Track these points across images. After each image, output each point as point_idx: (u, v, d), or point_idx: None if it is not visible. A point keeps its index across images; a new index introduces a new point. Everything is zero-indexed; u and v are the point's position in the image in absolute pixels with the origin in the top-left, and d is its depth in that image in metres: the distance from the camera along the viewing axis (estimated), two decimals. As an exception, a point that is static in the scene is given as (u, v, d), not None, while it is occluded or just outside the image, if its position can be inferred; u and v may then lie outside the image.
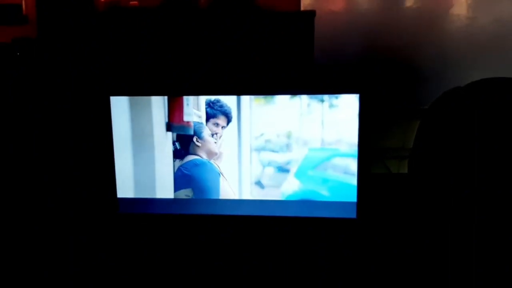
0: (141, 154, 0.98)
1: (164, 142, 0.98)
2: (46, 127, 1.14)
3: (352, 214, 0.98)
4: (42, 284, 0.90)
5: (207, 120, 0.97)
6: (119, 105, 0.97)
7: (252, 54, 1.21)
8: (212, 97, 0.96)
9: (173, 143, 0.98)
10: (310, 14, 1.31)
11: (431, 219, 0.81)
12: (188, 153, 0.99)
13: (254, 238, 1.00)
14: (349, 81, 0.97)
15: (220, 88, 0.96)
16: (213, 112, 0.96)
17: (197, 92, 0.96)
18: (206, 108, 0.96)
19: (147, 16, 1.26)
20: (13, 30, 1.39)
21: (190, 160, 0.99)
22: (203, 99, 0.96)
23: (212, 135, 0.97)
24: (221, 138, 0.97)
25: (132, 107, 0.97)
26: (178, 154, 0.99)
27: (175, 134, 0.98)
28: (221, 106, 0.96)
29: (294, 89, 0.95)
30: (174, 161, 0.99)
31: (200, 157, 0.99)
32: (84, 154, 1.11)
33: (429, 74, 1.70)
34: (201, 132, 0.98)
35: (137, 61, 1.15)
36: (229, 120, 0.97)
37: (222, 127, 0.97)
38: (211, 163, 0.99)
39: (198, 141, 0.98)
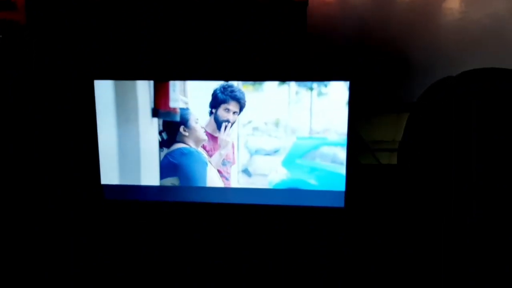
0: (126, 140, 0.97)
1: (150, 128, 0.96)
2: (28, 111, 1.11)
3: (340, 203, 0.97)
4: (30, 270, 0.89)
5: (218, 106, 0.95)
6: (104, 90, 0.95)
7: (243, 41, 1.19)
8: (224, 83, 0.94)
9: (160, 134, 0.96)
10: (303, 3, 1.29)
11: (419, 209, 0.81)
12: (175, 141, 0.97)
13: (240, 226, 0.99)
14: (339, 68, 0.96)
15: (207, 73, 0.94)
16: (223, 97, 0.94)
17: (183, 77, 0.94)
18: (218, 94, 0.94)
19: (134, 1, 1.23)
20: (1, 16, 1.35)
21: (177, 149, 0.97)
22: (190, 84, 0.95)
23: (222, 122, 0.95)
24: (233, 126, 0.95)
25: (117, 92, 0.95)
26: (165, 143, 0.97)
27: (161, 124, 0.96)
28: (232, 91, 0.94)
29: (283, 76, 0.94)
30: (161, 149, 0.97)
31: (188, 145, 0.97)
32: (68, 140, 1.09)
33: (421, 67, 1.69)
34: (187, 120, 0.96)
35: (122, 45, 1.12)
36: (241, 106, 0.94)
37: (233, 112, 0.95)
38: (198, 152, 0.97)
39: (185, 131, 0.96)
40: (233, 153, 0.97)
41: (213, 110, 0.95)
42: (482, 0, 1.58)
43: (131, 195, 0.99)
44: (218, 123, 0.95)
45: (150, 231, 0.98)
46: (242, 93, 0.94)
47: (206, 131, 0.96)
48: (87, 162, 0.98)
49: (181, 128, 0.96)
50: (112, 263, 0.91)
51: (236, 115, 0.95)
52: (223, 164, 0.97)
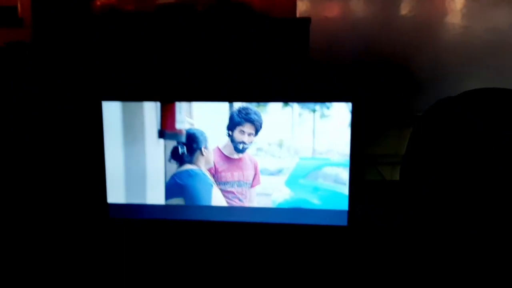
0: (132, 160, 0.98)
1: (156, 149, 0.98)
2: (37, 131, 1.14)
3: (343, 222, 0.98)
4: (34, 283, 0.90)
5: (234, 128, 0.96)
6: (112, 111, 0.97)
7: (247, 60, 1.21)
8: (240, 104, 0.95)
9: (181, 147, 0.97)
10: (306, 21, 1.31)
11: (422, 226, 0.81)
12: (186, 162, 0.98)
13: (244, 245, 1.00)
14: (342, 89, 0.97)
15: (213, 95, 0.96)
16: (238, 119, 0.96)
17: (189, 98, 0.96)
18: (234, 116, 0.96)
19: (143, 20, 1.26)
20: (8, 33, 1.38)
21: (185, 170, 0.98)
22: (196, 106, 0.96)
23: (238, 144, 0.96)
24: (248, 148, 0.96)
25: (124, 113, 0.97)
26: (179, 159, 0.97)
27: (183, 140, 0.97)
28: (247, 114, 0.95)
29: (286, 97, 0.96)
30: (170, 164, 0.98)
31: (198, 167, 0.98)
32: (75, 159, 1.11)
33: (423, 82, 1.70)
34: (207, 142, 0.97)
35: (130, 66, 1.15)
36: (256, 127, 0.95)
37: (249, 134, 0.96)
38: (205, 174, 0.98)
39: (205, 150, 0.97)
40: (255, 174, 0.98)
41: (230, 132, 0.97)
42: (484, 15, 1.60)
43: (135, 213, 1.01)
44: (235, 145, 0.97)
45: (154, 249, 0.99)
46: (258, 115, 0.95)
47: (223, 153, 0.98)
48: (94, 181, 1.00)
49: (203, 147, 0.97)
50: (117, 281, 0.92)
51: (252, 137, 0.96)
52: (239, 185, 0.99)
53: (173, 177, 0.99)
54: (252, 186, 0.98)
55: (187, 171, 0.98)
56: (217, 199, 0.99)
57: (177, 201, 0.99)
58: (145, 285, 0.91)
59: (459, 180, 0.68)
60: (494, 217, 0.68)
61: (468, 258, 0.71)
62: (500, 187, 0.65)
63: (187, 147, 0.97)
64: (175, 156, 0.98)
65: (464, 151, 0.69)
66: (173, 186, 0.99)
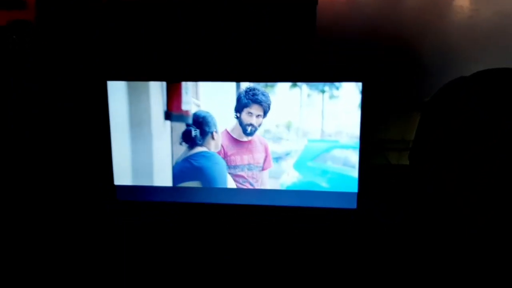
0: (139, 142, 0.97)
1: (163, 131, 0.97)
2: (41, 112, 1.12)
3: (353, 205, 0.97)
4: (40, 271, 0.90)
5: (241, 110, 0.95)
6: (117, 91, 0.96)
7: (253, 42, 1.19)
8: (248, 85, 0.93)
9: (194, 130, 0.95)
10: (312, 1, 1.29)
11: (432, 211, 0.80)
12: (197, 144, 0.96)
13: (253, 227, 0.99)
14: (352, 69, 0.95)
15: (219, 75, 0.94)
16: (246, 101, 0.94)
17: (194, 78, 0.94)
18: (241, 97, 0.94)
19: (147, 2, 1.23)
20: (11, 15, 1.36)
21: (198, 152, 0.97)
22: (203, 87, 0.95)
23: (246, 126, 0.95)
24: (257, 130, 0.94)
25: (130, 93, 0.96)
26: (191, 142, 0.96)
27: (190, 122, 0.96)
28: (254, 95, 0.93)
29: (295, 77, 0.94)
30: (179, 146, 0.96)
31: (208, 149, 0.97)
32: (81, 140, 1.10)
33: (431, 66, 1.68)
34: (217, 126, 0.96)
35: (135, 46, 1.13)
36: (264, 109, 0.93)
37: (257, 116, 0.94)
38: (219, 156, 0.97)
39: (215, 134, 0.96)
40: (266, 157, 0.97)
41: (238, 114, 0.95)
42: (493, -3, 1.56)
43: (143, 196, 1.00)
44: (243, 128, 0.95)
45: (161, 232, 0.99)
46: (266, 96, 0.93)
47: (231, 136, 0.96)
48: (100, 163, 0.99)
49: (214, 131, 0.96)
50: (121, 264, 0.92)
51: (260, 118, 0.94)
52: (249, 169, 0.97)
53: (188, 159, 0.97)
54: (263, 169, 0.97)
55: (201, 153, 0.96)
56: (228, 183, 0.98)
57: (193, 184, 0.98)
58: (150, 269, 0.90)
59: (461, 170, 0.67)
60: (496, 206, 0.67)
61: (469, 248, 0.70)
62: (503, 176, 0.64)
63: (200, 130, 0.96)
64: (187, 138, 0.96)
65: (467, 141, 0.67)
66: (188, 169, 0.97)
